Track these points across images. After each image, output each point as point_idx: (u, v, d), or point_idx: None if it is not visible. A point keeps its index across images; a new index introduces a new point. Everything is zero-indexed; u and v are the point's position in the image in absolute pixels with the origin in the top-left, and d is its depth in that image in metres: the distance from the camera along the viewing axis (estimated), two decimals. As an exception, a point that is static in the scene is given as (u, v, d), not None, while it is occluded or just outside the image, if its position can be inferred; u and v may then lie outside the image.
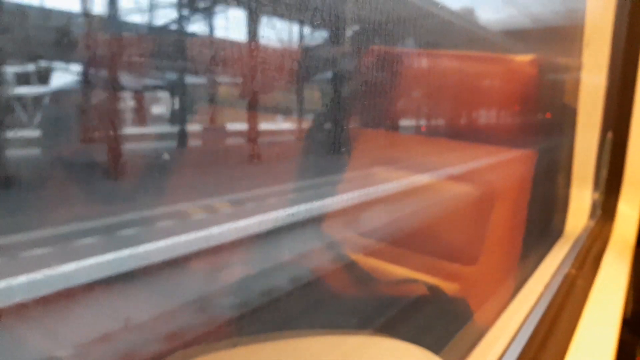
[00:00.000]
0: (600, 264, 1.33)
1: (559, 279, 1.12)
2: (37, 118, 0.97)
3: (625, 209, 1.74)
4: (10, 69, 0.88)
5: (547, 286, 1.09)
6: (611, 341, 0.96)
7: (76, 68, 0.91)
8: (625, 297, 1.30)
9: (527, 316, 0.95)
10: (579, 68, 1.82)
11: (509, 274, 1.49)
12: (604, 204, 1.77)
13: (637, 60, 1.72)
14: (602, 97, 1.74)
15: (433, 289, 1.52)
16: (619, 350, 1.53)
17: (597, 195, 1.79)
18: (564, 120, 1.92)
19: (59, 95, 1.04)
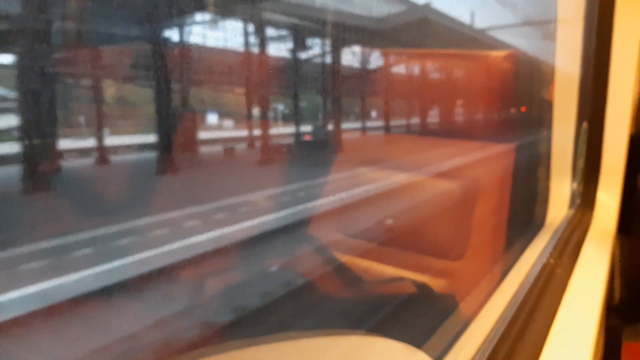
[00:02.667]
0: (580, 252, 1.36)
1: (538, 268, 1.15)
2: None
3: (604, 197, 1.78)
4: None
5: (527, 276, 1.12)
6: (592, 327, 0.98)
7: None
8: (608, 284, 1.33)
9: (507, 306, 0.98)
10: (553, 60, 1.85)
11: (494, 267, 1.52)
12: (583, 193, 1.81)
13: (609, 49, 1.75)
14: (577, 88, 1.78)
15: (421, 287, 1.55)
16: (606, 335, 1.56)
17: (575, 185, 1.83)
18: (541, 113, 1.95)
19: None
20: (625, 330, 1.76)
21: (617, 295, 1.89)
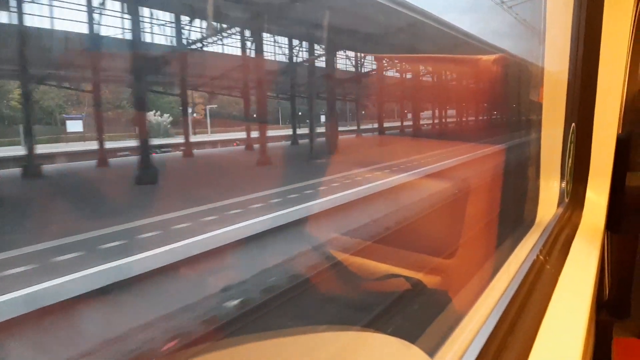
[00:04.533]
0: (569, 249, 1.39)
1: (528, 265, 1.18)
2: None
3: (592, 196, 1.81)
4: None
5: (516, 273, 1.15)
6: (582, 323, 1.00)
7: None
8: (598, 280, 1.36)
9: (498, 302, 1.01)
10: (542, 63, 1.89)
11: (485, 264, 1.55)
12: (572, 192, 1.85)
13: (597, 51, 1.79)
14: (565, 90, 1.82)
15: (415, 283, 1.58)
16: (597, 331, 1.59)
17: (564, 184, 1.86)
18: (530, 114, 1.99)
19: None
20: (615, 326, 1.79)
21: (607, 291, 1.92)
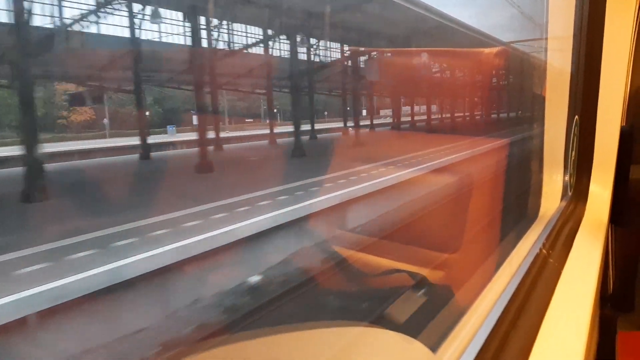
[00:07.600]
0: (572, 243, 1.39)
1: (531, 259, 1.17)
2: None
3: (596, 189, 1.80)
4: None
5: (519, 266, 1.14)
6: (585, 316, 1.00)
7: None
8: (601, 274, 1.35)
9: (500, 296, 1.00)
10: (544, 56, 1.88)
11: (488, 258, 1.54)
12: (576, 185, 1.84)
13: (600, 43, 1.78)
14: (568, 82, 1.81)
15: (418, 278, 1.58)
16: (601, 324, 1.59)
17: (568, 178, 1.86)
18: (533, 107, 1.98)
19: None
20: (619, 320, 1.79)
21: (610, 285, 1.92)
